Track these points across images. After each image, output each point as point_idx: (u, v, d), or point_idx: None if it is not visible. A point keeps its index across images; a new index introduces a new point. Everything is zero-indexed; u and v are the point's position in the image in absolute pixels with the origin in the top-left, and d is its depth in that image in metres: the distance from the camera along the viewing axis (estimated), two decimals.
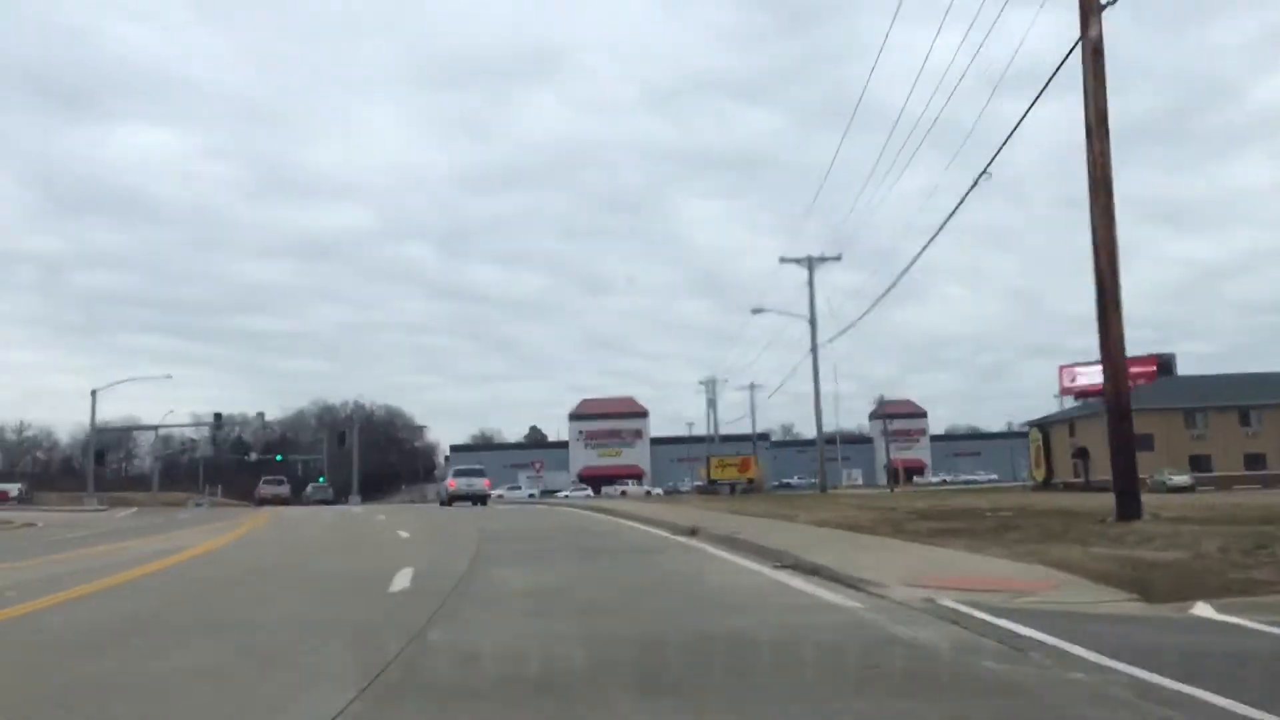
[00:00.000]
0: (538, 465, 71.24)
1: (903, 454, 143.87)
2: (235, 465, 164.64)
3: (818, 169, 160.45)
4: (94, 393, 76.82)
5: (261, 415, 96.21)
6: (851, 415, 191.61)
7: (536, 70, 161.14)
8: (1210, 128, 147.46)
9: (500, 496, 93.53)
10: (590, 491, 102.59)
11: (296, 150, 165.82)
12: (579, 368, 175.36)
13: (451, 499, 50.36)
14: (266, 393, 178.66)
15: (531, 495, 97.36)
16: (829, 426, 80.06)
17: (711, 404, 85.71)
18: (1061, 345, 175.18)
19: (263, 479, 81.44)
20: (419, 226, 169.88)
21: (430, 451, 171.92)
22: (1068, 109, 18.82)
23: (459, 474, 54.69)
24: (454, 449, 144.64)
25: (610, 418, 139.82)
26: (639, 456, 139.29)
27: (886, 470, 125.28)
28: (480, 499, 49.86)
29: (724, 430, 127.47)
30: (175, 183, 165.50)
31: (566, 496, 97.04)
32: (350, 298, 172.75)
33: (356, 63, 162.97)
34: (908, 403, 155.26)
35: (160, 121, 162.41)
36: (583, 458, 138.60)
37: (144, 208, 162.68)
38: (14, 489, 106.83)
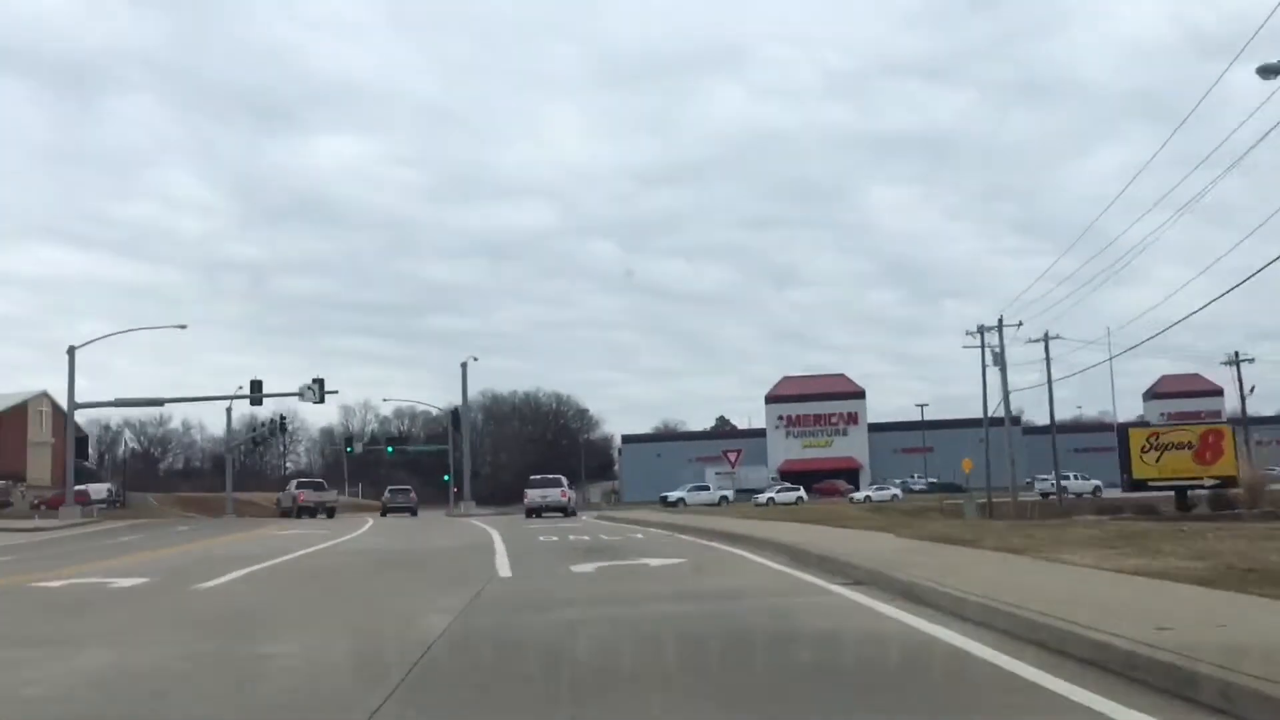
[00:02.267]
0: (733, 456, 50.68)
1: None
2: (371, 460, 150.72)
3: (1012, 149, 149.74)
4: (71, 351, 56.69)
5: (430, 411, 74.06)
6: (1095, 400, 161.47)
7: (717, 62, 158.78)
8: None
9: (680, 503, 69.01)
10: (802, 493, 76.67)
11: (481, 153, 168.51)
12: (764, 361, 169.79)
13: (530, 512, 47.53)
14: (458, 393, 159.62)
15: (724, 498, 72.10)
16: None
17: (995, 356, 56.91)
18: None
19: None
20: (601, 223, 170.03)
21: (605, 445, 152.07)
22: None
23: (534, 484, 49.99)
24: (626, 440, 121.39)
25: (817, 399, 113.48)
26: (854, 447, 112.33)
27: None
28: (560, 510, 47.41)
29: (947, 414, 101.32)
30: (367, 189, 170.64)
31: (770, 500, 71.50)
32: (536, 296, 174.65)
33: (538, 65, 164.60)
34: (1194, 377, 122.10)
35: (353, 131, 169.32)
36: (783, 449, 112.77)
37: (339, 214, 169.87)
38: (104, 489, 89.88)
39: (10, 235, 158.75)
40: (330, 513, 58.49)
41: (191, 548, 25.42)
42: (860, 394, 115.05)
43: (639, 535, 24.75)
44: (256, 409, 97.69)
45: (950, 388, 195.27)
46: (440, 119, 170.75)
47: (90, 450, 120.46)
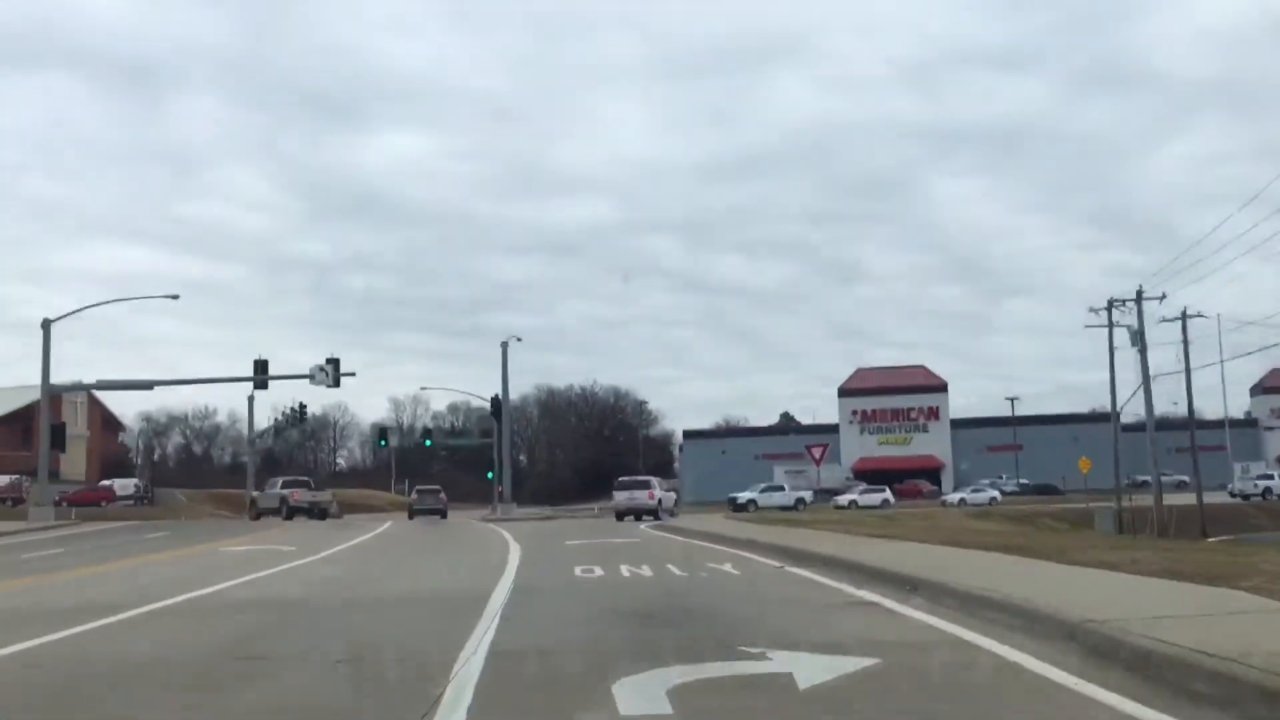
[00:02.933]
0: (817, 452, 43.09)
1: None
2: (422, 456, 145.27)
3: (1084, 140, 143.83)
4: (46, 325, 50.39)
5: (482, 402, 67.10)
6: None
7: (779, 54, 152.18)
8: None
9: (750, 505, 61.11)
10: (889, 495, 68.39)
11: (541, 148, 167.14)
12: (826, 358, 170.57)
13: (620, 515, 46.26)
14: (516, 389, 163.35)
15: (801, 500, 63.88)
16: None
17: (1132, 335, 48.16)
18: None
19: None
20: (662, 218, 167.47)
21: (665, 441, 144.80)
22: None
23: (622, 486, 48.68)
24: (688, 435, 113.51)
25: (895, 393, 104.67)
26: (935, 444, 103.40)
27: None
28: (649, 513, 45.59)
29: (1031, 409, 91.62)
30: (428, 185, 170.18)
31: (853, 503, 63.31)
32: (596, 292, 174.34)
33: (599, 58, 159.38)
34: None
35: (414, 127, 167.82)
36: (857, 446, 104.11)
37: (400, 211, 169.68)
38: (131, 485, 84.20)
39: (80, 232, 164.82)
40: (322, 514, 54.78)
41: (54, 579, 18.01)
42: (942, 387, 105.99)
43: (730, 570, 16.34)
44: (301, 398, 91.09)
45: (1018, 386, 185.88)
46: (501, 114, 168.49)
47: (130, 443, 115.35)
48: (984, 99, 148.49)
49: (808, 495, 64.48)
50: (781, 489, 65.89)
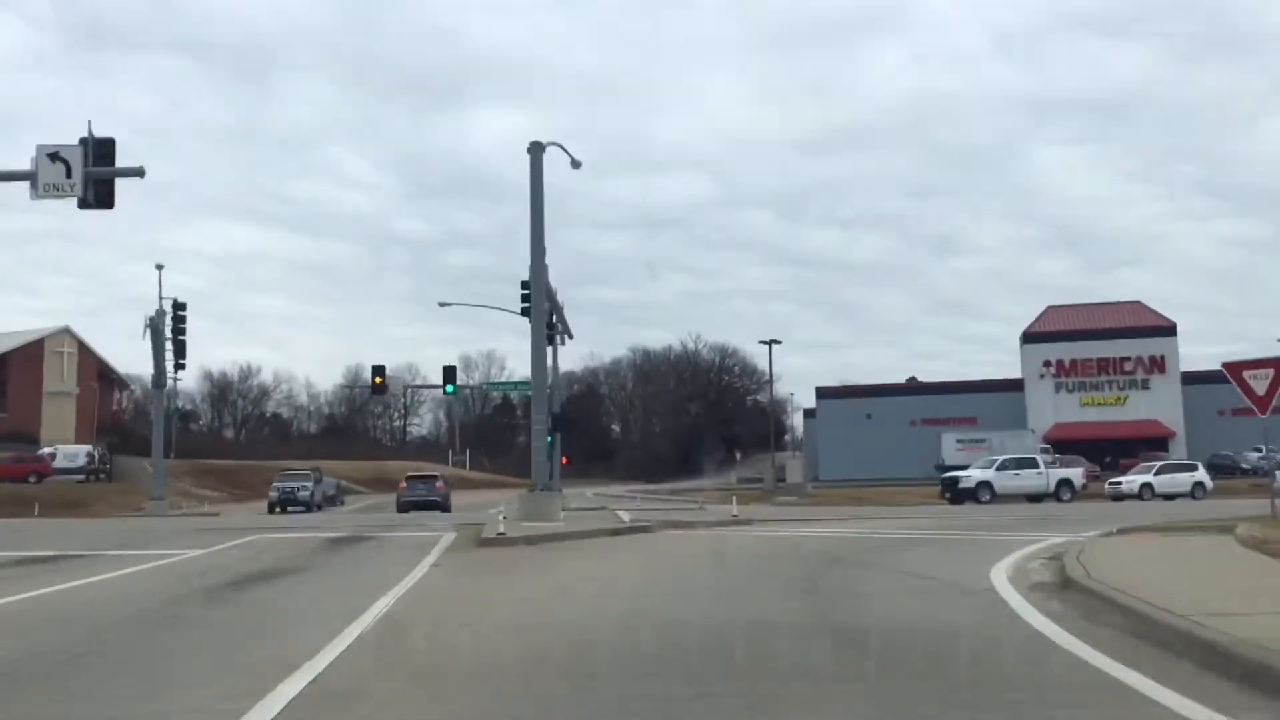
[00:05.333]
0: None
1: None
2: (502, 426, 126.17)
3: (1195, 106, 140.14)
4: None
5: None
6: None
7: (877, 25, 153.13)
8: None
9: (980, 491, 36.94)
10: (1204, 477, 42.33)
11: (637, 123, 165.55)
12: (925, 332, 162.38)
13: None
14: (609, 354, 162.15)
15: (1066, 485, 38.72)
16: None
17: None
18: None
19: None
20: (759, 192, 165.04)
21: (780, 410, 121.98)
22: None
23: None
24: (822, 394, 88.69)
25: (1103, 336, 78.47)
26: (1161, 406, 77.16)
27: None
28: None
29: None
30: (525, 163, 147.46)
31: (1145, 489, 38.17)
32: (693, 266, 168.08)
33: (693, 32, 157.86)
34: None
35: (511, 106, 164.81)
36: (1050, 408, 78.57)
37: (498, 189, 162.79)
38: (81, 452, 63.91)
39: (192, 212, 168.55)
40: (318, 507, 47.76)
41: None
42: (1170, 329, 79.29)
43: None
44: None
45: None
46: (598, 91, 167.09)
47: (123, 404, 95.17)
48: (1089, 67, 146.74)
49: (1077, 475, 39.80)
50: (1034, 464, 40.22)
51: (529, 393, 38.30)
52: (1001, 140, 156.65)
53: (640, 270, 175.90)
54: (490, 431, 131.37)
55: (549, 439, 43.76)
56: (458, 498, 50.16)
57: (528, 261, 26.65)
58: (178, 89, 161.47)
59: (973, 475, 38.61)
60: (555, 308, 33.91)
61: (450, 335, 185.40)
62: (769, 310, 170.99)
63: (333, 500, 55.65)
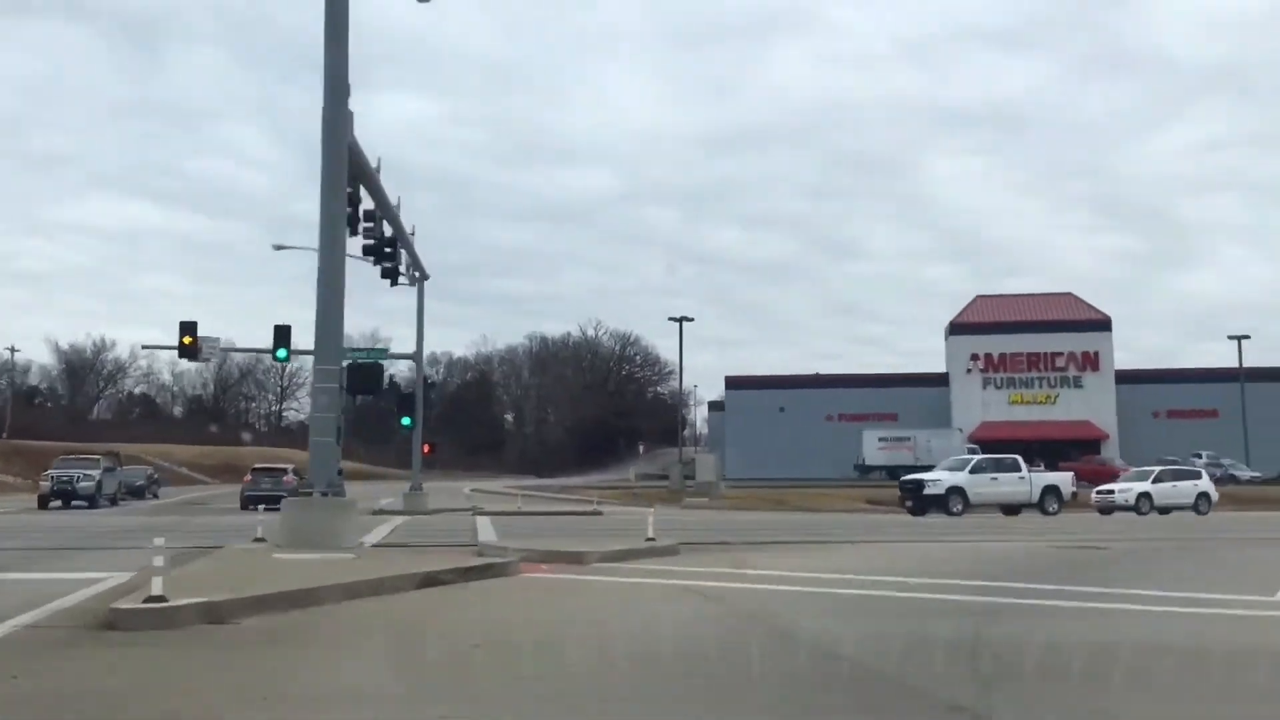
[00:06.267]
0: None
1: None
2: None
3: (1087, 123, 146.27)
4: None
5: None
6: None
7: (782, 27, 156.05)
8: None
9: (956, 497, 29.60)
10: (1209, 486, 35.32)
11: (542, 114, 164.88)
12: (822, 334, 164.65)
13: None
14: (503, 340, 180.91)
15: (1053, 494, 32.28)
16: None
17: None
18: None
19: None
20: (663, 189, 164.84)
21: (683, 403, 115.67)
22: None
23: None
24: (732, 384, 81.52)
25: (1034, 329, 72.88)
26: (1095, 406, 71.87)
27: None
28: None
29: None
30: (428, 149, 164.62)
31: (1144, 499, 31.94)
32: (596, 261, 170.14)
33: (601, 24, 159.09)
34: None
35: (414, 90, 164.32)
36: (978, 405, 72.76)
37: (400, 174, 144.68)
38: None
39: (81, 187, 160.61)
40: (110, 501, 40.22)
41: None
42: (1104, 323, 74.06)
43: None
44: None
45: None
46: (503, 80, 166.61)
47: None
48: (985, 79, 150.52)
49: (1065, 481, 32.64)
50: (1016, 466, 32.58)
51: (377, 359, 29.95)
52: (899, 147, 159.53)
53: (544, 261, 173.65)
54: (375, 418, 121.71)
55: (405, 422, 35.49)
56: None
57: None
58: (65, 56, 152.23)
59: (941, 479, 31.24)
60: (396, 229, 24.84)
61: (348, 323, 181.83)
62: (672, 306, 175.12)
63: (140, 492, 46.74)
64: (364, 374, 18.86)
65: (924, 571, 11.98)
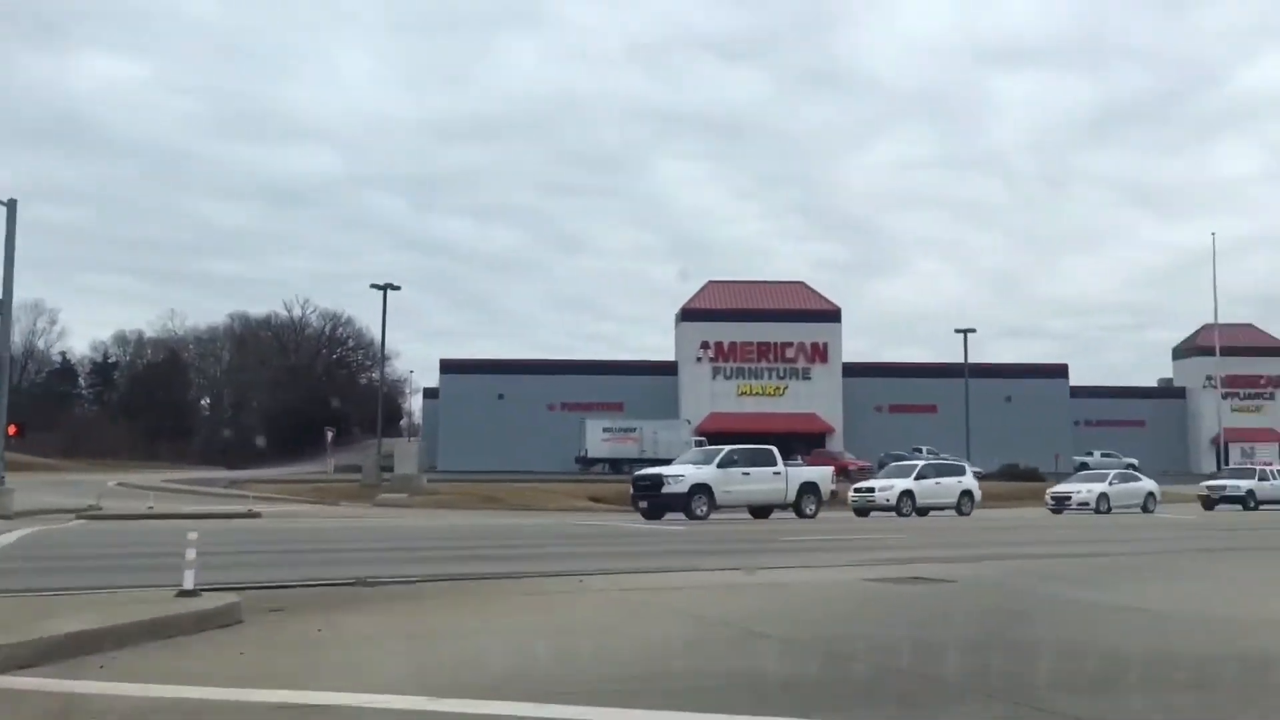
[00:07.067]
0: None
1: (1244, 421, 78.81)
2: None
3: (802, 135, 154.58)
4: None
5: None
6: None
7: (516, 20, 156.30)
8: (1194, 112, 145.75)
9: (695, 500, 23.94)
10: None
11: (265, 90, 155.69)
12: (551, 328, 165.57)
13: None
14: (204, 319, 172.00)
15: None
16: None
17: None
18: (1038, 327, 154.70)
19: None
20: (390, 175, 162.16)
21: (398, 391, 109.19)
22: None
23: None
24: (446, 367, 74.51)
25: (765, 318, 70.20)
26: (821, 398, 69.93)
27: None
28: None
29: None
30: (135, 116, 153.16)
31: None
32: (317, 246, 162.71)
33: (331, 2, 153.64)
34: (1249, 329, 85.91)
35: (123, 51, 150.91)
36: (707, 396, 69.43)
37: (102, 141, 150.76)
38: None
39: None
40: None
41: None
42: (834, 314, 72.30)
43: None
44: None
45: None
46: (224, 48, 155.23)
47: None
48: (711, 86, 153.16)
49: (824, 478, 27.98)
50: (771, 461, 26.79)
51: None
52: (628, 146, 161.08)
53: (258, 243, 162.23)
54: (51, 403, 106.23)
55: None
56: None
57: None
58: None
59: (684, 474, 25.21)
60: None
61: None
62: (395, 295, 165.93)
63: None
64: None
65: (749, 678, 6.09)
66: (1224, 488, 39.15)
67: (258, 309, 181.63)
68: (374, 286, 48.21)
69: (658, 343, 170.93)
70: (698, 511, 24.46)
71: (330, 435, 62.74)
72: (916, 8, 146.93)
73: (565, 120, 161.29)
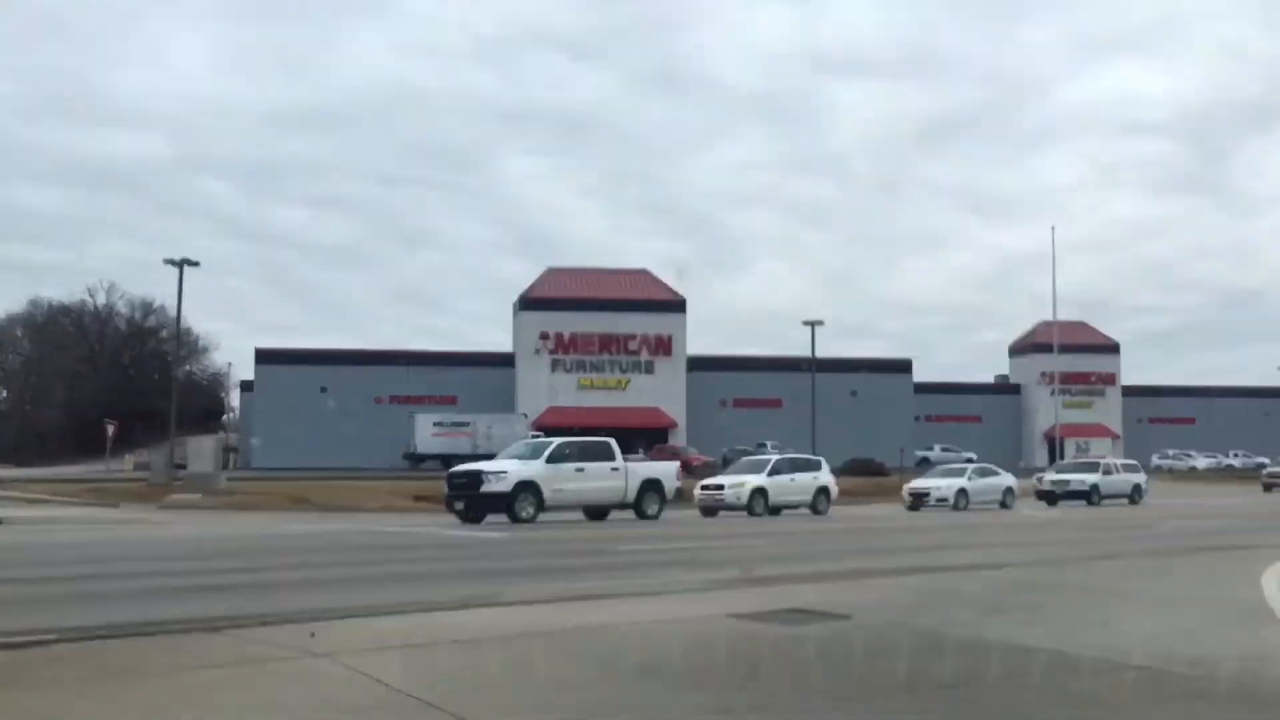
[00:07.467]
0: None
1: (1076, 417, 79.28)
2: None
3: (646, 134, 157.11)
4: None
5: None
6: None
7: (358, 10, 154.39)
8: (1022, 123, 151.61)
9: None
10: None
11: (86, 70, 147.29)
12: (389, 322, 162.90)
13: None
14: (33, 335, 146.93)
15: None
16: None
17: None
18: (874, 326, 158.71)
19: None
20: (221, 161, 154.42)
21: (218, 385, 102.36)
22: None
23: None
24: (263, 358, 68.95)
25: (608, 308, 67.31)
26: (665, 392, 67.52)
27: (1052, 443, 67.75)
28: None
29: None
30: None
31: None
32: (140, 233, 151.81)
33: None
34: (1083, 327, 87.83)
35: None
36: (546, 389, 66.21)
37: None
38: None
39: None
40: None
41: None
42: (679, 304, 69.87)
43: None
44: None
45: None
46: (36, 25, 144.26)
47: None
48: (556, 84, 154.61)
49: (668, 475, 24.85)
50: (609, 455, 23.02)
51: None
52: (473, 141, 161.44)
53: (73, 228, 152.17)
54: None
55: None
56: None
57: None
58: None
59: (507, 471, 21.49)
60: None
61: None
62: (224, 286, 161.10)
63: None
64: None
65: None
66: (1068, 483, 37.41)
67: (66, 297, 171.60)
68: (168, 262, 43.21)
69: (501, 340, 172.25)
70: (522, 514, 21.18)
71: (112, 430, 56.61)
72: (760, 15, 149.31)
73: (408, 113, 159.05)
